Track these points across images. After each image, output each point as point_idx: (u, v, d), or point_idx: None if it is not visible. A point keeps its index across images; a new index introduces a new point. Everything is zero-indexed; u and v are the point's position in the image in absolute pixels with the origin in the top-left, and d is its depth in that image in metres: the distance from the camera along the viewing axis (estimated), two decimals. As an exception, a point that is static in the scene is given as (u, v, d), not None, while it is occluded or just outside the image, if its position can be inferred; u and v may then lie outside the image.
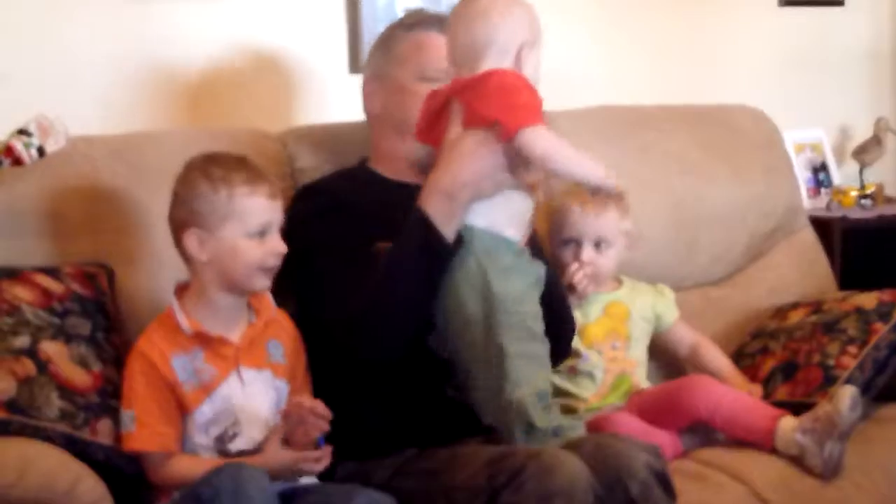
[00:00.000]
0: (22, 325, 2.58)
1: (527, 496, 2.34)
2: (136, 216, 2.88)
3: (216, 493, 2.28)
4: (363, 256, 2.63)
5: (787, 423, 2.90)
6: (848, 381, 3.01)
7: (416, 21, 2.94)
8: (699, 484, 2.78)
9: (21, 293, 2.63)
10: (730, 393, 3.00)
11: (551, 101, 3.52)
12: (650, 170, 3.50)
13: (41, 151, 2.70)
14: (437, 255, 2.51)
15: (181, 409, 2.51)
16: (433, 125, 2.61)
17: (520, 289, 2.53)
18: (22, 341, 2.55)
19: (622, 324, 3.16)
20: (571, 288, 3.06)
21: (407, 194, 2.59)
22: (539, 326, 2.54)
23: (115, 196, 2.89)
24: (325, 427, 2.44)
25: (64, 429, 2.48)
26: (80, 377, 2.58)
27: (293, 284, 2.73)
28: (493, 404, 2.50)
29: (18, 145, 2.67)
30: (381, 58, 2.93)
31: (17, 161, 2.67)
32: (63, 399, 2.52)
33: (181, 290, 2.58)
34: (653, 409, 3.00)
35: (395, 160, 2.86)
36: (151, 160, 2.97)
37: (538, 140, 2.49)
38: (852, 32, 4.48)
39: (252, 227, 2.50)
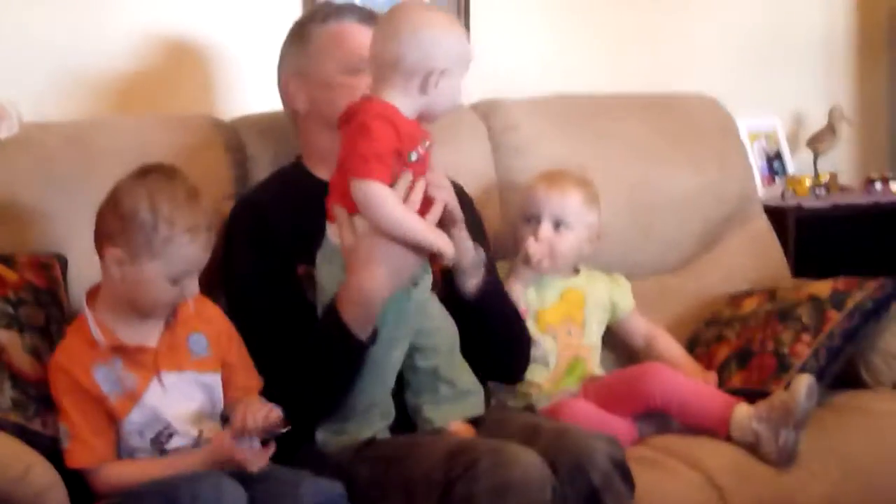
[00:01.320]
0: (-24, 313, 2.56)
1: (481, 488, 2.34)
2: (89, 204, 2.83)
3: (195, 499, 2.26)
4: (287, 283, 2.69)
5: (743, 410, 2.91)
6: (802, 368, 3.03)
7: (329, 12, 2.89)
8: (654, 471, 2.78)
9: (-26, 281, 2.61)
10: (685, 380, 3.02)
11: (508, 89, 3.58)
12: (605, 158, 3.51)
13: (-7, 137, 2.68)
14: (353, 352, 2.55)
15: (111, 418, 2.48)
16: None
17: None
18: (-26, 331, 2.53)
19: (578, 310, 3.17)
20: (526, 259, 3.07)
21: None
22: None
23: (68, 183, 2.86)
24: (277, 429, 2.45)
25: (16, 419, 2.46)
26: (32, 368, 2.56)
27: (225, 290, 2.78)
28: None
29: (-29, 132, 2.65)
30: (299, 54, 2.88)
31: (-31, 147, 2.65)
32: (15, 389, 2.50)
33: (93, 294, 2.54)
34: (608, 396, 3.00)
35: (328, 157, 2.72)
36: (106, 147, 2.95)
37: (358, 194, 2.47)
38: (807, 20, 4.49)
39: (175, 272, 2.45)
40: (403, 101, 2.51)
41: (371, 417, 2.61)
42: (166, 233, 2.42)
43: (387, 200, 2.46)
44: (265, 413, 2.44)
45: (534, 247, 3.08)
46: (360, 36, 2.77)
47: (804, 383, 2.84)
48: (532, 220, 3.14)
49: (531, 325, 3.03)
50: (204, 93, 3.44)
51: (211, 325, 2.59)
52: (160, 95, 3.38)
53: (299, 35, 2.90)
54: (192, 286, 2.49)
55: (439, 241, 2.51)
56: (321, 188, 2.63)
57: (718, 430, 2.93)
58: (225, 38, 3.45)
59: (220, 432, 2.48)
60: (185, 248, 2.44)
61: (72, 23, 3.25)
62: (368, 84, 2.59)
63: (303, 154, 2.92)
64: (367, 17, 2.86)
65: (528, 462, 2.38)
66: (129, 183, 2.48)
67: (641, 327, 3.29)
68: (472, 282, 2.70)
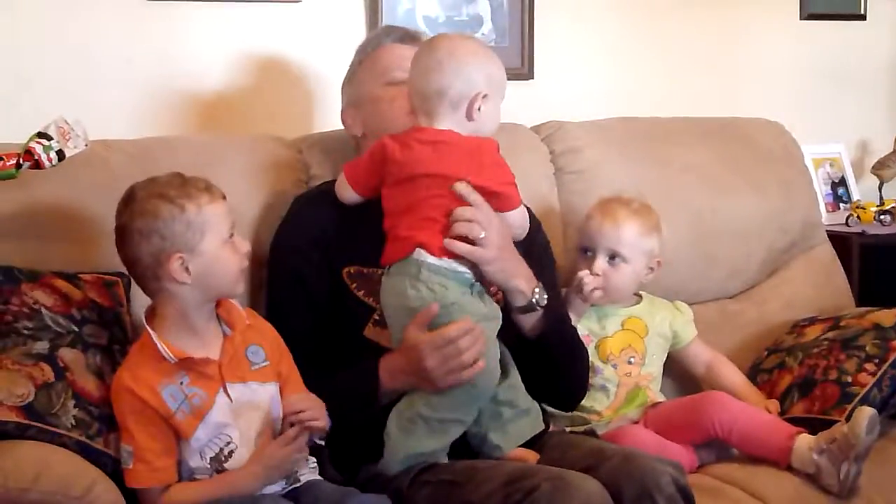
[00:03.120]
0: (41, 329, 2.57)
1: None
2: (153, 222, 2.87)
3: None
4: (333, 281, 2.74)
5: (804, 441, 2.89)
6: (865, 398, 3.00)
7: (368, 42, 3.01)
8: (716, 500, 2.77)
9: (41, 297, 2.63)
10: (746, 409, 3.00)
11: (572, 113, 3.57)
12: (669, 183, 3.49)
13: (61, 155, 2.69)
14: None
15: (177, 437, 2.49)
16: (370, 182, 2.66)
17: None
18: (41, 346, 2.55)
19: (639, 339, 3.15)
20: (579, 291, 3.07)
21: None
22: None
23: (132, 201, 2.88)
24: (320, 426, 2.51)
25: (79, 437, 2.47)
26: (95, 387, 2.57)
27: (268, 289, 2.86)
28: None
29: (38, 149, 2.66)
30: (350, 87, 2.99)
31: (37, 165, 2.66)
32: (78, 408, 2.51)
33: (150, 316, 2.55)
34: (668, 424, 2.99)
35: None
36: (169, 166, 2.94)
37: (521, 218, 2.68)
38: (873, 47, 4.47)
39: (225, 232, 2.50)
40: (460, 130, 2.60)
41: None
42: (193, 206, 2.47)
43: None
44: (304, 405, 2.49)
45: (588, 279, 3.07)
46: (396, 51, 2.90)
47: (866, 416, 2.81)
48: (588, 251, 3.13)
49: (592, 354, 3.01)
50: (275, 114, 3.46)
51: (265, 338, 2.61)
52: (230, 117, 3.40)
53: (350, 73, 3.01)
54: (242, 242, 2.54)
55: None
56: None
57: (779, 461, 2.91)
58: (294, 58, 3.48)
59: (272, 442, 2.50)
60: (213, 206, 2.49)
61: (140, 43, 3.28)
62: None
63: None
64: (403, 36, 2.95)
65: (589, 490, 2.37)
66: (129, 211, 2.52)
67: (703, 355, 3.27)
68: (529, 322, 2.71)
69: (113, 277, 2.80)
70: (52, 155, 2.69)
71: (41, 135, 2.69)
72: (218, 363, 2.52)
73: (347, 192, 2.72)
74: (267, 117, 3.43)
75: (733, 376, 3.25)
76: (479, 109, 2.59)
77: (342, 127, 3.27)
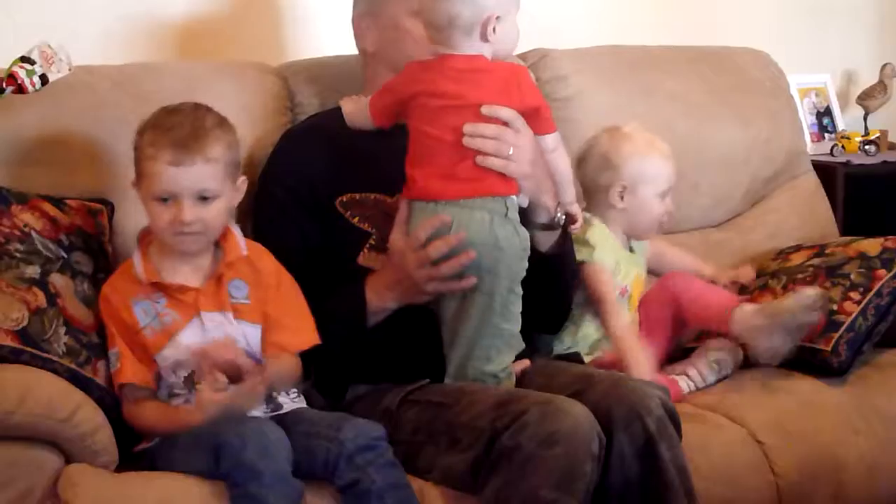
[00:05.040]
0: (33, 254, 2.57)
1: (528, 439, 2.35)
2: (137, 147, 2.87)
3: (244, 444, 2.28)
4: (325, 212, 2.72)
5: (745, 308, 2.97)
6: (850, 327, 3.03)
7: None
8: (698, 425, 2.78)
9: (31, 220, 2.62)
10: (695, 280, 3.10)
11: (555, 40, 3.56)
12: (654, 111, 3.49)
13: (44, 80, 2.68)
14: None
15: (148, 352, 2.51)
16: (392, 112, 2.61)
17: (524, 269, 2.57)
18: (33, 271, 2.54)
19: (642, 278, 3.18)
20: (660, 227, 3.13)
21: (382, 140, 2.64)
22: (520, 306, 2.59)
23: (116, 127, 2.86)
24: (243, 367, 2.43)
25: (68, 364, 2.47)
26: (83, 315, 2.58)
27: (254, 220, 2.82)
28: (463, 361, 2.57)
29: (21, 73, 2.65)
30: None
31: (20, 89, 2.66)
32: (69, 335, 2.51)
33: (145, 234, 2.56)
34: (648, 318, 3.08)
35: None
36: (153, 92, 2.95)
37: (554, 142, 2.63)
38: (860, -23, 4.46)
39: (157, 192, 2.47)
40: (479, 53, 2.55)
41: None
42: (149, 152, 2.47)
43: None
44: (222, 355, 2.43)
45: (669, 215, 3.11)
46: None
47: (807, 294, 2.91)
48: (666, 194, 3.10)
49: (625, 305, 3.06)
50: (264, 39, 3.45)
51: (258, 276, 2.58)
52: (218, 42, 3.39)
53: None
54: (188, 211, 2.46)
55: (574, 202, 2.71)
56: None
57: (721, 326, 2.98)
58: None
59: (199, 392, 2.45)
60: (155, 163, 2.45)
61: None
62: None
63: (364, 92, 2.89)
64: None
65: (576, 414, 2.39)
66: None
67: (657, 252, 3.28)
68: (549, 240, 2.71)
69: (97, 205, 2.79)
70: (36, 79, 2.68)
71: (24, 59, 2.68)
72: (196, 291, 2.52)
73: (364, 122, 2.66)
74: (251, 43, 3.40)
75: (682, 255, 3.31)
76: (493, 31, 2.52)
77: (327, 54, 3.27)
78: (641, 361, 2.85)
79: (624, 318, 3.00)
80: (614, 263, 3.04)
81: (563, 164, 2.67)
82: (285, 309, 2.59)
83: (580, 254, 2.95)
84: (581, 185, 3.07)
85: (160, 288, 2.51)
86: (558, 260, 2.75)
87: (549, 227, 2.69)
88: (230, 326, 2.52)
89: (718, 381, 3.03)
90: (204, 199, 2.48)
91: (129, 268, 2.55)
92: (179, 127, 2.47)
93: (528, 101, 2.55)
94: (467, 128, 2.50)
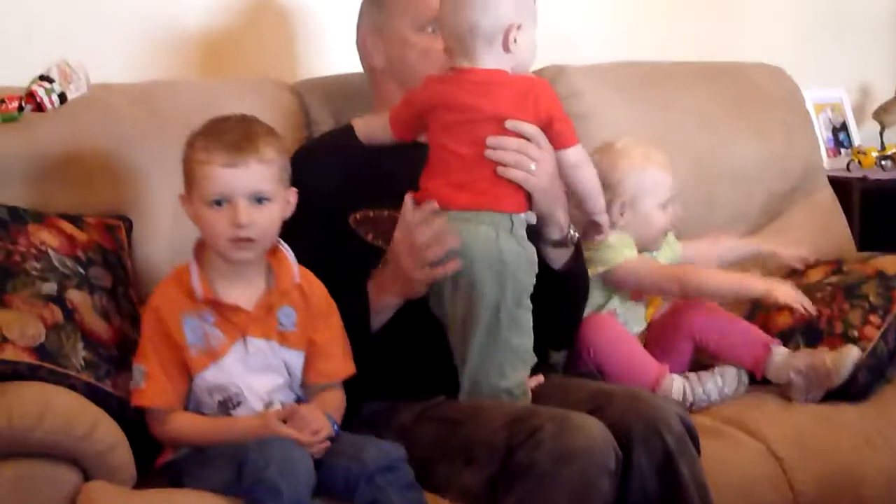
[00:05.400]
0: (49, 271, 2.58)
1: (544, 455, 2.35)
2: (156, 166, 2.87)
3: (267, 463, 2.28)
4: (338, 228, 2.72)
5: (781, 355, 2.97)
6: (872, 352, 3.02)
7: None
8: (716, 440, 2.77)
9: (48, 238, 2.63)
10: (723, 314, 3.04)
11: (572, 57, 3.56)
12: (669, 126, 3.49)
13: (63, 98, 2.70)
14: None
15: (187, 370, 2.49)
16: (410, 124, 2.61)
17: (531, 284, 2.57)
18: (49, 287, 2.55)
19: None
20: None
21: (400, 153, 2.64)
22: (531, 321, 2.59)
23: (134, 144, 2.88)
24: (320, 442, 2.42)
25: (87, 378, 2.48)
26: (102, 329, 2.58)
27: None
28: (475, 377, 2.55)
29: (40, 91, 2.67)
30: (377, 11, 2.90)
31: (39, 107, 2.67)
32: (87, 349, 2.52)
33: (200, 247, 2.54)
34: (655, 341, 3.06)
35: None
36: (170, 109, 2.97)
37: (576, 156, 2.60)
38: (876, -8, 4.46)
39: (209, 195, 2.45)
40: (500, 66, 2.55)
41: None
42: (200, 154, 2.45)
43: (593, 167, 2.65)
44: (312, 429, 2.42)
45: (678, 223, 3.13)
46: None
47: (851, 358, 2.90)
48: (668, 203, 3.11)
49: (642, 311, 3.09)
50: (279, 55, 3.45)
51: (308, 303, 2.55)
52: (234, 58, 3.40)
53: None
54: (243, 213, 2.44)
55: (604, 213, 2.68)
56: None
57: (754, 370, 2.98)
58: (297, 3, 3.47)
59: (271, 414, 2.45)
60: (210, 167, 2.44)
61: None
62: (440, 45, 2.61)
63: (374, 109, 2.92)
64: None
65: (592, 429, 2.38)
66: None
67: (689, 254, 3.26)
68: (562, 257, 2.71)
69: (115, 221, 2.80)
70: (55, 98, 2.70)
71: (43, 77, 2.70)
72: (248, 314, 2.49)
73: (382, 136, 2.66)
74: (267, 59, 3.41)
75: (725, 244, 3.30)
76: (514, 41, 2.53)
77: (342, 71, 3.28)
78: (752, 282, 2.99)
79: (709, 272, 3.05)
80: None
81: (589, 179, 2.64)
82: (331, 337, 2.58)
83: (607, 261, 2.99)
84: None
85: (213, 305, 2.48)
86: (570, 277, 2.75)
87: (562, 244, 2.69)
88: (272, 355, 2.51)
89: (722, 399, 2.97)
90: (259, 201, 2.45)
91: (182, 279, 2.51)
92: (231, 131, 2.46)
93: (545, 114, 2.54)
94: (491, 140, 2.50)
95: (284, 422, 2.41)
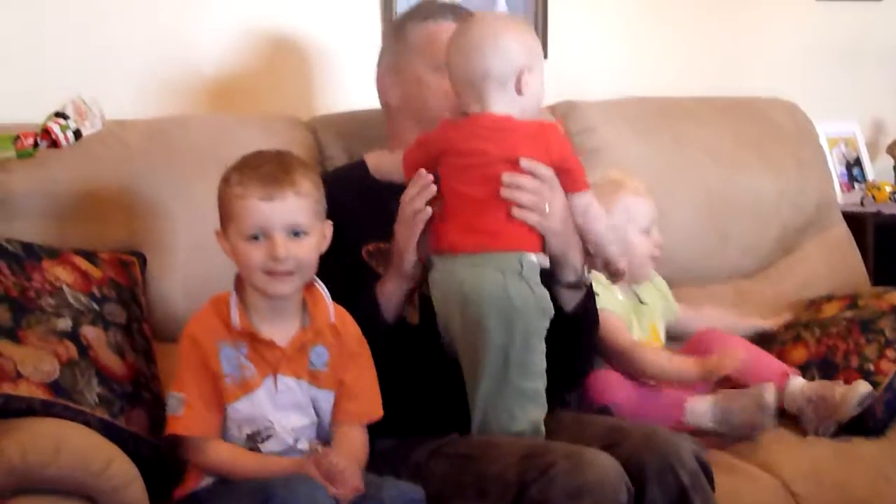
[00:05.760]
0: (64, 307, 2.58)
1: (556, 491, 2.35)
2: (170, 201, 2.89)
3: (293, 502, 2.27)
4: (352, 260, 2.72)
5: (797, 385, 3.00)
6: (889, 387, 3.02)
7: (429, 12, 2.93)
8: (732, 475, 2.77)
9: (62, 274, 2.64)
10: (742, 342, 3.07)
11: (586, 92, 3.57)
12: (683, 161, 3.50)
13: (77, 134, 2.70)
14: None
15: (221, 400, 2.48)
16: (424, 167, 2.59)
17: (543, 328, 2.56)
18: (64, 324, 2.56)
19: (656, 326, 3.19)
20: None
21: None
22: (544, 364, 2.57)
23: (149, 181, 2.90)
24: (351, 488, 2.38)
25: (101, 414, 2.49)
26: (117, 365, 2.59)
27: None
28: (485, 419, 2.55)
29: (55, 128, 2.67)
30: (396, 49, 2.93)
31: (54, 143, 2.68)
32: (102, 385, 2.53)
33: (240, 280, 2.52)
34: None
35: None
36: (184, 145, 2.98)
37: (584, 203, 2.60)
38: (888, 27, 4.46)
39: (247, 229, 2.44)
40: (511, 110, 2.56)
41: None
42: (237, 190, 2.44)
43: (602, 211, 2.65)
44: (343, 474, 2.39)
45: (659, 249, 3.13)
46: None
47: (861, 393, 2.92)
48: (649, 229, 3.11)
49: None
50: (292, 92, 3.46)
51: (341, 342, 2.55)
52: (248, 95, 3.41)
53: (397, 31, 2.95)
54: (281, 246, 2.42)
55: (620, 257, 2.66)
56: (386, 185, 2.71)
57: None
58: (313, 38, 3.48)
59: (309, 460, 2.42)
60: (248, 202, 2.42)
61: (160, 22, 3.29)
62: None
63: (388, 145, 2.94)
64: (467, 17, 2.84)
65: (604, 466, 2.38)
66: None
67: (690, 315, 3.27)
68: (574, 299, 2.70)
69: (129, 257, 2.81)
70: (70, 134, 2.70)
71: (58, 114, 2.70)
72: (282, 351, 2.48)
73: (395, 175, 2.67)
74: (280, 97, 3.42)
75: (722, 314, 3.30)
76: (526, 84, 2.55)
77: (355, 108, 3.29)
78: (691, 366, 2.95)
79: (654, 354, 3.02)
80: (625, 316, 3.04)
81: (600, 224, 2.63)
82: (361, 378, 2.57)
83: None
84: None
85: (248, 338, 2.47)
86: (582, 319, 2.74)
87: (576, 286, 2.69)
88: (300, 394, 2.50)
89: (718, 431, 2.95)
90: (296, 234, 2.45)
91: (220, 308, 2.49)
92: (268, 164, 2.46)
93: (557, 157, 2.55)
94: (506, 177, 2.50)
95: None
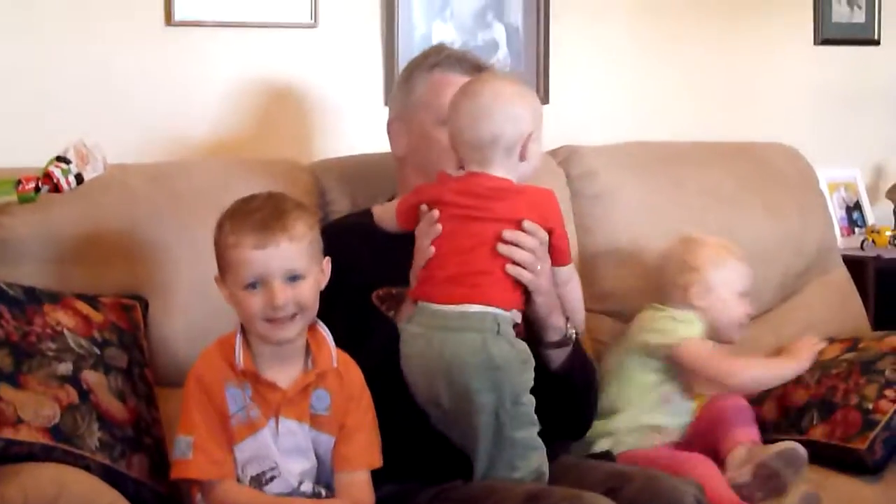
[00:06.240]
0: (65, 351, 2.58)
1: None
2: (171, 246, 2.89)
3: None
4: (361, 304, 2.73)
5: (737, 453, 2.96)
6: (888, 426, 3.01)
7: (436, 62, 2.92)
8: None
9: (63, 318, 2.64)
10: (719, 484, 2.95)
11: (587, 137, 3.58)
12: (684, 206, 3.50)
13: (79, 179, 2.71)
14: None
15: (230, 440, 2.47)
16: (412, 215, 2.61)
17: (529, 379, 2.55)
18: (65, 368, 2.56)
19: None
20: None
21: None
22: (533, 410, 2.56)
23: (151, 225, 2.90)
24: None
25: (102, 459, 2.48)
26: (118, 410, 2.59)
27: None
28: (487, 473, 2.54)
29: (57, 172, 2.68)
30: (404, 99, 2.94)
31: (56, 188, 2.68)
32: (103, 430, 2.53)
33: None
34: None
35: None
36: (188, 189, 2.98)
37: (574, 271, 2.70)
38: (888, 71, 4.48)
39: (244, 279, 2.44)
40: (511, 174, 2.56)
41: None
42: (231, 238, 2.43)
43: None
44: None
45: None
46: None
47: (785, 446, 2.89)
48: (746, 294, 3.19)
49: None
50: (294, 136, 3.48)
51: (343, 386, 2.54)
52: (250, 139, 3.42)
53: (405, 79, 2.96)
54: (279, 294, 2.42)
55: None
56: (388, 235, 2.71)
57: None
58: (311, 83, 3.50)
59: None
60: (244, 251, 2.42)
61: (163, 68, 3.31)
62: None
63: (398, 194, 2.92)
64: (474, 68, 2.88)
65: (606, 510, 2.38)
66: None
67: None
68: (560, 357, 2.71)
69: (131, 301, 2.82)
70: (71, 179, 2.71)
71: (60, 158, 2.71)
72: (283, 393, 2.48)
73: (390, 224, 2.68)
74: (283, 142, 3.44)
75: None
76: (529, 150, 2.56)
77: (358, 152, 3.30)
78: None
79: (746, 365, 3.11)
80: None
81: (578, 294, 2.73)
82: (361, 424, 2.55)
83: (665, 331, 3.07)
84: (661, 288, 3.19)
85: (251, 378, 2.46)
86: (571, 375, 2.74)
87: (561, 344, 2.70)
88: (302, 438, 2.49)
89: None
90: (293, 279, 2.44)
91: (224, 348, 2.49)
92: (259, 210, 2.44)
93: (549, 227, 2.56)
94: (508, 234, 2.51)
95: None
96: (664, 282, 3.18)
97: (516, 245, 2.51)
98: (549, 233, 2.56)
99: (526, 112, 2.56)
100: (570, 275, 2.67)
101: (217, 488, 2.44)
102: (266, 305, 2.42)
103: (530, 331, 2.65)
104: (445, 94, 2.74)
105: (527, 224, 2.52)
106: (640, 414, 3.07)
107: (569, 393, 2.76)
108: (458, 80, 2.76)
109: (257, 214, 2.44)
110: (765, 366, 3.15)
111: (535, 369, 2.57)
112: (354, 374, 2.56)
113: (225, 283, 2.47)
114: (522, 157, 2.56)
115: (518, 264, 2.52)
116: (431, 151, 2.82)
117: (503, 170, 2.55)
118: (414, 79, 2.92)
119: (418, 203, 2.59)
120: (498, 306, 2.51)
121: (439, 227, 2.53)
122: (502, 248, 2.51)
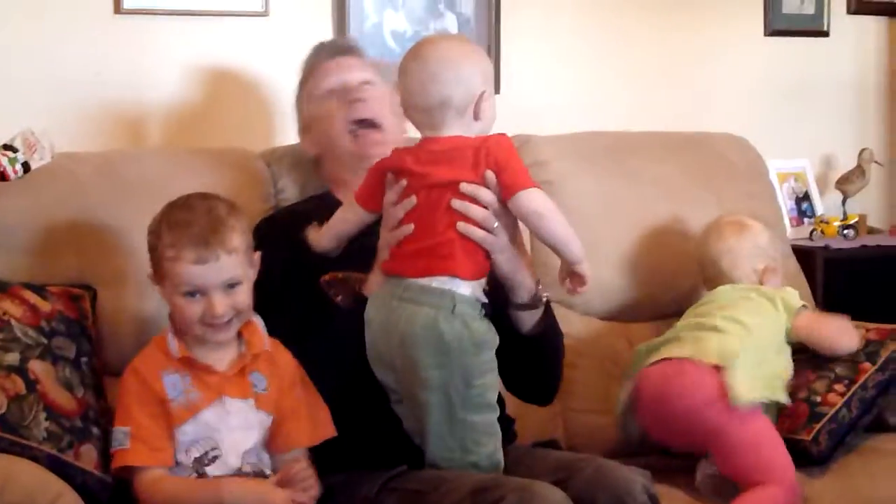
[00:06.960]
0: (12, 341, 2.57)
1: None
2: (119, 234, 2.88)
3: None
4: (309, 291, 2.71)
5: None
6: (834, 418, 3.03)
7: (305, 68, 3.10)
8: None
9: (10, 308, 2.63)
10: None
11: (538, 127, 3.58)
12: (634, 195, 3.50)
13: (26, 167, 2.70)
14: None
15: (170, 425, 2.50)
16: (375, 193, 2.60)
17: (484, 363, 2.54)
18: (12, 358, 2.55)
19: None
20: None
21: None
22: (494, 396, 2.56)
23: (99, 214, 2.89)
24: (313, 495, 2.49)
25: (49, 450, 2.47)
26: (65, 400, 2.58)
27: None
28: (439, 454, 2.55)
29: (3, 161, 2.67)
30: (298, 114, 3.10)
31: (2, 176, 2.67)
32: (50, 420, 2.51)
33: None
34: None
35: (349, 184, 2.81)
36: (136, 178, 2.97)
37: (536, 201, 2.51)
38: (837, 63, 4.50)
39: (182, 287, 2.49)
40: (467, 134, 2.54)
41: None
42: (170, 253, 2.48)
43: (554, 207, 2.54)
44: (305, 487, 2.48)
45: None
46: (331, 66, 3.02)
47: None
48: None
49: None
50: (242, 126, 3.47)
51: (276, 370, 2.60)
52: (200, 128, 3.42)
53: (296, 100, 3.12)
54: (218, 305, 2.49)
55: (584, 256, 2.57)
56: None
57: None
58: (262, 71, 3.50)
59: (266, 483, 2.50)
60: (182, 265, 2.47)
61: (109, 56, 3.28)
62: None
63: (331, 189, 3.00)
64: (333, 51, 3.07)
65: (554, 499, 2.39)
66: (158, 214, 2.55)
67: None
68: (531, 319, 2.70)
69: (79, 291, 2.80)
70: (18, 167, 2.70)
71: (6, 147, 2.70)
72: (221, 374, 2.54)
73: (353, 220, 2.63)
74: (234, 131, 3.43)
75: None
76: (482, 109, 2.53)
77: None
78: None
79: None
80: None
81: (558, 225, 2.54)
82: (297, 404, 2.60)
83: (790, 307, 3.18)
84: (723, 273, 3.28)
85: (189, 365, 2.52)
86: (543, 337, 2.73)
87: (531, 306, 2.69)
88: (252, 414, 2.55)
89: None
90: (231, 286, 2.51)
91: (160, 344, 2.56)
92: (196, 223, 2.49)
93: (493, 165, 2.50)
94: (456, 203, 2.49)
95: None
96: (732, 265, 3.25)
97: (473, 201, 2.49)
98: (496, 170, 2.50)
99: (475, 73, 2.54)
100: (538, 206, 2.51)
101: (151, 481, 2.48)
102: (205, 314, 2.50)
103: (499, 293, 2.62)
104: (322, 77, 2.97)
105: (463, 187, 2.49)
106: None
107: (539, 357, 2.76)
108: (326, 62, 3.01)
109: (195, 228, 2.48)
110: (851, 336, 3.18)
111: (507, 331, 2.58)
112: (286, 359, 2.62)
113: (161, 284, 2.53)
114: (476, 117, 2.54)
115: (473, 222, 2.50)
116: (325, 128, 2.95)
117: (457, 130, 2.53)
118: (301, 90, 3.08)
119: (377, 181, 2.58)
120: (460, 275, 2.49)
121: (413, 198, 2.51)
122: (456, 203, 2.49)
